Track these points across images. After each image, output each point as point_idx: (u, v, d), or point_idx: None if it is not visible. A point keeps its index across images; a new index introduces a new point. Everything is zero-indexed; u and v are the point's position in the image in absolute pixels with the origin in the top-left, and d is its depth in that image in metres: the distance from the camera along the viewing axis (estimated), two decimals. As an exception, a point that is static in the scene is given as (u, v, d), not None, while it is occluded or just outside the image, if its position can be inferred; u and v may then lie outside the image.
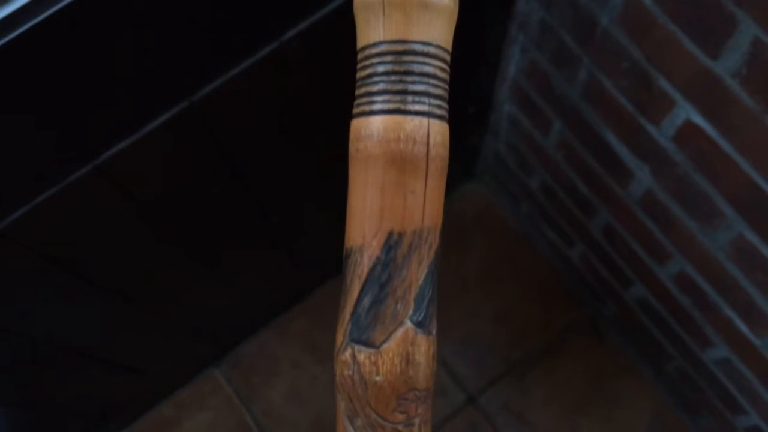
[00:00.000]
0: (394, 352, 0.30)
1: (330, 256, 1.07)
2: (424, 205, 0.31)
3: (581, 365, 1.34)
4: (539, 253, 1.40)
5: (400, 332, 0.30)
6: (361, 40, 0.32)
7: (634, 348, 1.31)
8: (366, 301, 0.31)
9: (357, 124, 0.32)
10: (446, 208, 1.51)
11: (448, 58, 0.32)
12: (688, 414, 1.27)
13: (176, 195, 0.81)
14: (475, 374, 1.34)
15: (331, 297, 1.39)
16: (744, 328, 0.92)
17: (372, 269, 0.31)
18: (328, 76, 0.78)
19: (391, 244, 0.31)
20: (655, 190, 0.91)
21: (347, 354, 0.31)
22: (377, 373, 0.31)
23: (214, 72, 0.68)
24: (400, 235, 0.31)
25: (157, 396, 1.31)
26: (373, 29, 0.31)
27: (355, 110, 0.32)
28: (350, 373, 0.31)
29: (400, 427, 0.30)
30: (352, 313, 0.31)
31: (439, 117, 0.32)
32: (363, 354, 0.31)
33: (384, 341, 0.31)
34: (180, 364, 1.30)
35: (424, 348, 0.30)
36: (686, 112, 0.77)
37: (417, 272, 0.31)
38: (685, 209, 0.88)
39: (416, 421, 0.30)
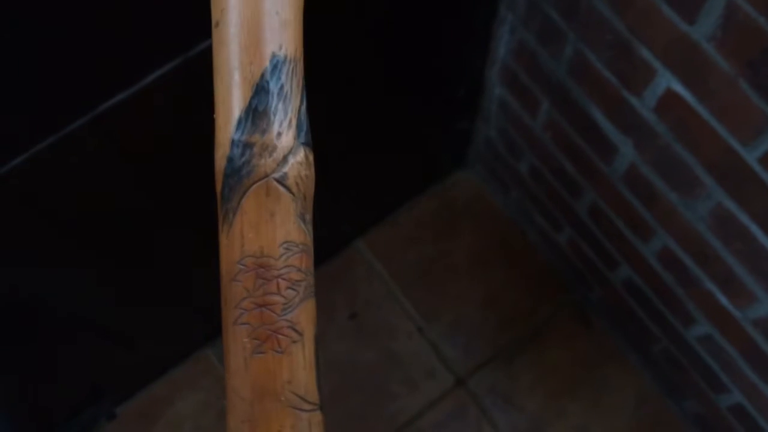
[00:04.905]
0: None
1: (323, 239, 1.09)
2: None
3: (568, 350, 1.36)
4: (528, 240, 1.42)
5: None
6: None
7: (620, 333, 1.33)
8: None
9: None
10: (437, 196, 1.50)
11: None
12: (672, 397, 1.29)
13: (172, 155, 0.83)
14: (464, 358, 1.36)
15: (321, 281, 1.41)
16: (724, 300, 0.94)
17: None
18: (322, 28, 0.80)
19: None
20: (637, 164, 0.93)
21: None
22: None
23: (208, 29, 0.71)
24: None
25: (149, 375, 1.33)
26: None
27: None
28: None
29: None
30: None
31: None
32: None
33: None
34: (173, 343, 1.31)
35: None
36: (666, 80, 0.80)
37: None
38: (667, 181, 0.90)
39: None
